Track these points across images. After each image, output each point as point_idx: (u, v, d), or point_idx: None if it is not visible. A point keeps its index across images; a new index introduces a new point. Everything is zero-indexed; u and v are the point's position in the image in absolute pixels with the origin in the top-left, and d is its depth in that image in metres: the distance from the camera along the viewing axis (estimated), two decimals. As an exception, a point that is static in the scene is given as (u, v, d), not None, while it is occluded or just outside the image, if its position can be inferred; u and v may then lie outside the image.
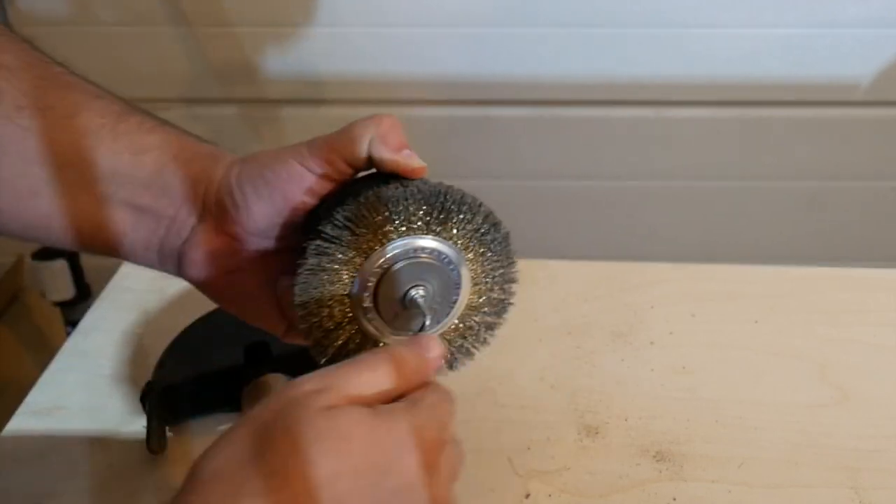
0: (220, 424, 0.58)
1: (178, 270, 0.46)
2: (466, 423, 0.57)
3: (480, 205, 0.42)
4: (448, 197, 0.41)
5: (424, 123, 1.35)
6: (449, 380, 0.61)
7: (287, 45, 1.27)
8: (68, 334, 0.68)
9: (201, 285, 0.46)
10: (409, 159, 0.42)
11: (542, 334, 0.66)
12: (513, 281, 0.45)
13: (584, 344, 0.65)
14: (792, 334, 0.66)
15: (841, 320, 0.67)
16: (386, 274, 0.41)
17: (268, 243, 0.44)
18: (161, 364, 0.58)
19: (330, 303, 0.41)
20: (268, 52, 1.28)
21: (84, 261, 1.25)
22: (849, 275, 0.73)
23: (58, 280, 1.22)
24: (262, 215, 0.43)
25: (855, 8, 1.23)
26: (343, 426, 0.32)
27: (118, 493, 0.52)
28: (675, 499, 0.52)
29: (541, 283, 0.72)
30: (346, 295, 0.41)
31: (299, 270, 0.40)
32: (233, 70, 1.31)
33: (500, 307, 0.46)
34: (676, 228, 1.47)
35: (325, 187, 0.43)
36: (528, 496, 0.52)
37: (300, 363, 0.61)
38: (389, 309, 0.42)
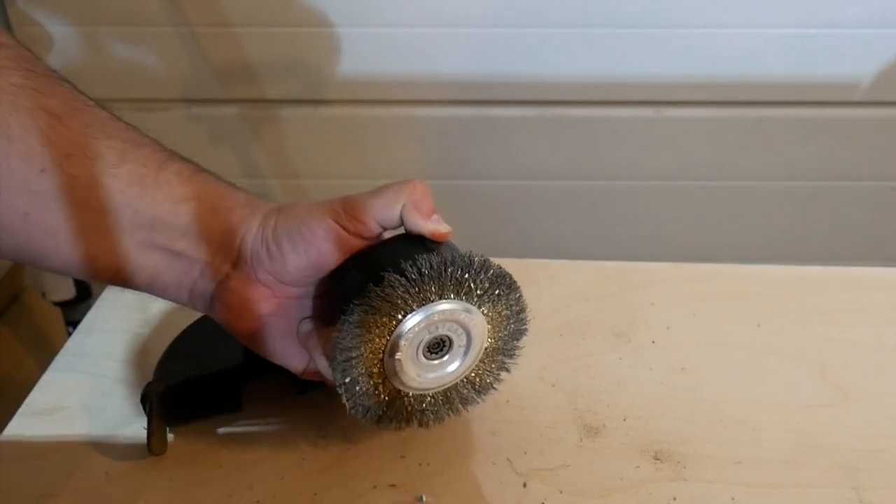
0: (220, 425, 0.58)
1: (209, 311, 0.49)
2: (466, 423, 0.57)
3: (488, 267, 0.47)
4: (459, 263, 0.46)
5: (424, 123, 1.35)
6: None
7: (287, 45, 1.27)
8: (69, 334, 0.68)
9: (231, 328, 0.49)
10: (438, 225, 0.46)
11: (542, 334, 0.66)
12: (521, 332, 0.53)
13: (584, 344, 0.65)
14: (792, 334, 0.66)
15: (841, 320, 0.67)
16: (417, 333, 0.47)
17: (296, 290, 0.48)
18: (161, 364, 0.58)
19: (369, 356, 0.46)
20: (268, 52, 1.29)
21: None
22: (849, 275, 0.73)
23: (58, 280, 1.22)
24: (296, 267, 0.46)
25: (855, 8, 1.23)
26: None
27: (118, 494, 0.53)
28: (675, 499, 0.52)
29: (541, 283, 0.72)
30: (382, 352, 0.47)
31: (344, 326, 0.45)
32: (233, 70, 1.31)
33: (511, 352, 0.53)
34: (676, 228, 1.47)
35: (358, 244, 0.47)
36: (527, 496, 0.52)
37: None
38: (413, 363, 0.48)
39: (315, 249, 0.46)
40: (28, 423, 0.58)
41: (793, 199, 1.43)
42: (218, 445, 0.56)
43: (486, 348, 0.50)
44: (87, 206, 0.44)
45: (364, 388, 0.48)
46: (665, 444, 0.56)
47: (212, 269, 0.47)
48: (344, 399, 0.47)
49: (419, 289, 0.44)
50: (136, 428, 0.57)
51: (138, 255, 0.46)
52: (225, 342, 0.59)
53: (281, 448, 0.56)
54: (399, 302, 0.44)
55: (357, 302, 0.44)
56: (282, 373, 0.61)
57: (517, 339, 0.52)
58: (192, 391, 0.58)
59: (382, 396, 0.49)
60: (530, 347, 0.64)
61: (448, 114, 1.34)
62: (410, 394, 0.49)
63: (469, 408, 0.53)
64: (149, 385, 0.55)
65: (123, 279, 0.47)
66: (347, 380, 0.46)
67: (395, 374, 0.48)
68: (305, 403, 0.59)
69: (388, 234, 0.49)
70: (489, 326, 0.49)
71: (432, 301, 0.45)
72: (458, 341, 0.49)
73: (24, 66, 0.43)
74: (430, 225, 0.46)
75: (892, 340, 0.65)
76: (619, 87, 1.32)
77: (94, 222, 0.44)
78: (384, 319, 0.45)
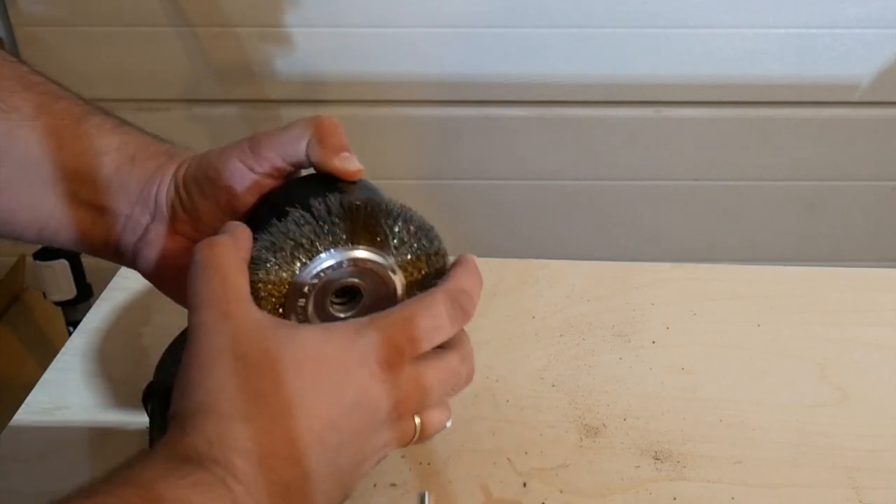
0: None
1: (135, 265, 0.47)
2: (466, 423, 0.57)
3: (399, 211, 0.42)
4: (376, 207, 0.41)
5: (424, 123, 1.35)
6: (449, 380, 0.61)
7: (287, 45, 1.27)
8: (69, 334, 0.68)
9: (156, 282, 0.47)
10: (345, 162, 0.43)
11: (542, 334, 0.66)
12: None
13: (585, 343, 0.65)
14: (792, 334, 0.66)
15: (841, 320, 0.67)
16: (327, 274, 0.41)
17: None
18: (162, 364, 0.58)
19: (274, 279, 0.41)
20: (268, 52, 1.29)
21: (85, 261, 1.25)
22: (848, 275, 0.73)
23: (59, 280, 1.21)
24: (207, 213, 0.44)
25: (855, 8, 1.23)
26: (300, 344, 0.36)
27: (119, 493, 0.53)
28: (675, 499, 0.52)
29: (541, 283, 0.72)
30: (290, 281, 0.41)
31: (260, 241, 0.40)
32: (233, 70, 1.31)
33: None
34: (677, 228, 1.47)
35: (268, 185, 0.44)
36: (527, 496, 0.52)
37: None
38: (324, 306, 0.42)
39: (223, 192, 0.43)
40: (28, 423, 0.58)
41: (793, 199, 1.43)
42: (218, 445, 0.56)
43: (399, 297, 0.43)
44: (6, 158, 0.43)
45: None
46: (665, 444, 0.56)
47: (133, 222, 0.45)
48: None
49: (328, 229, 0.40)
50: (136, 428, 0.57)
51: (62, 211, 0.45)
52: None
53: (281, 448, 0.55)
54: (304, 241, 0.40)
55: (257, 237, 0.40)
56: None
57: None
58: (193, 391, 0.58)
59: None
60: (530, 347, 0.65)
61: (448, 114, 1.34)
62: None
63: None
64: (150, 385, 0.55)
65: (49, 236, 0.46)
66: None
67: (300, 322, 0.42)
68: (305, 403, 0.59)
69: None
70: (404, 280, 0.43)
71: (344, 245, 0.40)
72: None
73: None
74: (337, 161, 0.42)
75: (892, 340, 0.65)
76: (619, 87, 1.32)
77: (13, 176, 0.43)
78: (288, 259, 0.40)
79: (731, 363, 0.63)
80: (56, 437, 0.57)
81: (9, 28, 1.16)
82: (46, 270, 1.21)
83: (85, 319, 0.68)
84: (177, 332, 0.61)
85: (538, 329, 0.67)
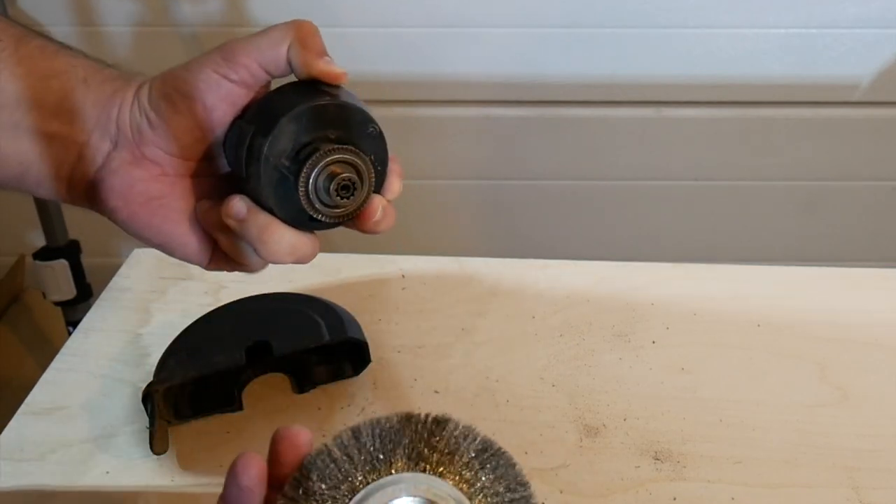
0: (220, 425, 0.58)
1: (91, 201, 0.43)
2: (466, 422, 0.57)
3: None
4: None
5: (424, 123, 1.35)
6: (449, 380, 0.61)
7: (287, 46, 1.27)
8: (69, 334, 0.68)
9: (119, 216, 0.43)
10: (330, 66, 0.40)
11: (542, 334, 0.66)
12: None
13: (585, 344, 0.65)
14: (792, 334, 0.66)
15: (841, 320, 0.67)
16: None
17: (188, 165, 0.43)
18: (162, 364, 0.58)
19: None
20: (268, 52, 1.28)
21: (85, 261, 1.25)
22: (849, 275, 0.73)
23: (58, 280, 1.21)
24: (181, 130, 0.41)
25: (855, 8, 1.23)
26: None
27: (118, 494, 0.53)
28: (675, 499, 0.52)
29: (541, 283, 0.72)
30: None
31: None
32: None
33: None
34: (677, 228, 1.47)
35: (243, 95, 0.41)
36: (528, 496, 0.52)
37: (301, 363, 0.61)
38: None
39: (199, 105, 0.40)
40: (28, 423, 0.58)
41: (793, 200, 1.43)
42: (218, 445, 0.56)
43: None
44: None
45: None
46: (665, 444, 0.56)
47: (90, 149, 0.41)
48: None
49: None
50: (136, 428, 0.57)
51: (3, 142, 0.40)
52: (225, 342, 0.59)
53: (281, 448, 0.55)
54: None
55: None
56: (282, 372, 0.61)
57: None
58: (193, 391, 0.58)
59: None
60: (530, 347, 0.65)
61: (448, 114, 1.34)
62: None
63: None
64: (149, 385, 0.55)
65: None
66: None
67: None
68: (305, 403, 0.59)
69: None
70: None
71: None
72: None
73: None
74: (322, 64, 0.40)
75: (892, 340, 0.65)
76: (619, 87, 1.32)
77: None
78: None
79: (731, 363, 0.63)
80: (56, 437, 0.57)
81: (9, 28, 1.16)
82: (46, 270, 1.21)
83: (85, 319, 0.68)
84: (177, 333, 0.61)
85: (538, 329, 0.67)
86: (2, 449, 0.56)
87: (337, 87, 0.41)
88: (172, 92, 0.41)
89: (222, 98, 0.40)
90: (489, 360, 0.63)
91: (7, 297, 1.38)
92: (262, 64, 0.40)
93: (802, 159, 1.39)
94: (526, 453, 0.55)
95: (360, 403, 0.59)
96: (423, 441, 0.34)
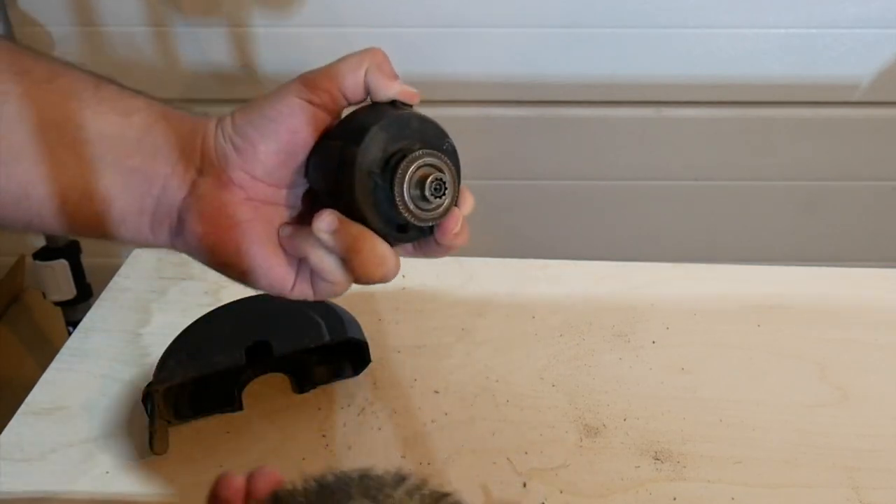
0: (220, 425, 0.58)
1: (176, 233, 0.44)
2: (466, 423, 0.57)
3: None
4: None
5: (424, 123, 1.34)
6: (449, 380, 0.61)
7: (287, 45, 1.27)
8: (69, 334, 0.68)
9: (206, 241, 0.44)
10: (405, 87, 0.44)
11: (542, 334, 0.66)
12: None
13: (584, 344, 0.65)
14: (792, 334, 0.66)
15: (841, 320, 0.67)
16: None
17: (272, 191, 0.44)
18: (162, 364, 0.58)
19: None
20: (268, 52, 1.28)
21: (85, 261, 1.25)
22: (849, 275, 0.73)
23: (58, 280, 1.21)
24: (268, 154, 0.43)
25: (855, 8, 1.23)
26: None
27: (118, 494, 0.53)
28: (675, 499, 0.52)
29: (541, 283, 0.72)
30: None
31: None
32: (233, 70, 1.31)
33: None
34: (677, 228, 1.47)
35: (324, 120, 0.43)
36: (527, 496, 0.52)
37: (301, 363, 0.61)
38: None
39: (284, 129, 0.42)
40: (28, 423, 0.58)
41: (793, 200, 1.43)
42: (218, 445, 0.56)
43: None
44: (19, 122, 0.40)
45: None
46: (665, 444, 0.56)
47: (176, 179, 0.43)
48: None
49: None
50: (136, 428, 0.57)
51: (85, 177, 0.41)
52: (225, 342, 0.59)
53: (281, 448, 0.56)
54: None
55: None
56: (282, 372, 0.62)
57: None
58: (193, 391, 0.58)
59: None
60: (530, 347, 0.65)
61: (448, 114, 1.34)
62: None
63: None
64: (150, 385, 0.55)
65: (70, 210, 0.42)
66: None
67: None
68: (305, 403, 0.59)
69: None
70: None
71: None
72: None
73: None
74: (399, 85, 0.43)
75: (892, 340, 0.65)
76: (619, 87, 1.32)
77: (29, 142, 0.40)
78: None
79: (731, 363, 0.63)
80: (56, 437, 0.57)
81: (9, 28, 1.16)
82: (46, 270, 1.21)
83: (85, 319, 0.68)
84: (177, 332, 0.61)
85: (538, 329, 0.67)
86: (2, 449, 0.56)
87: (410, 106, 0.44)
88: (258, 117, 0.43)
89: (306, 122, 0.43)
90: (489, 360, 0.63)
91: (7, 297, 1.38)
92: (342, 88, 0.43)
93: (802, 159, 1.39)
94: (526, 453, 0.55)
95: (360, 403, 0.59)
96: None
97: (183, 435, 0.56)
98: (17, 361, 1.29)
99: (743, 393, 0.60)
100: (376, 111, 0.43)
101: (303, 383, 0.60)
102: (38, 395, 0.60)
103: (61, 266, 1.21)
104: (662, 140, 1.37)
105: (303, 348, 0.59)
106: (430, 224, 0.43)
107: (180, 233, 0.44)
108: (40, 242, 1.23)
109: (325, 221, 0.42)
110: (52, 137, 0.40)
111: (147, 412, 0.55)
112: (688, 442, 0.56)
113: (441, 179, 0.42)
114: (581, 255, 0.75)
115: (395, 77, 0.44)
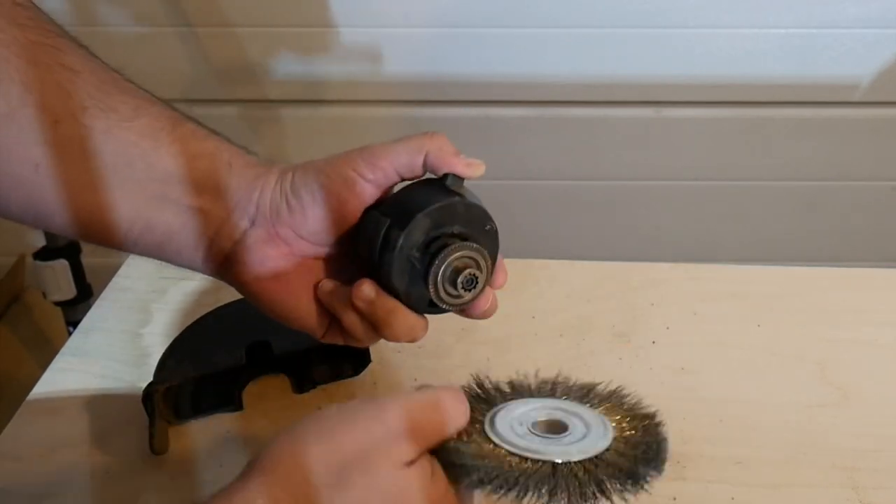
0: (220, 425, 0.58)
1: (224, 272, 0.48)
2: (466, 423, 0.57)
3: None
4: None
5: (424, 123, 1.35)
6: (449, 380, 0.61)
7: (287, 45, 1.27)
8: (69, 334, 0.68)
9: (248, 288, 0.47)
10: (471, 160, 0.46)
11: (542, 334, 0.66)
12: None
13: (585, 344, 0.65)
14: (792, 334, 0.66)
15: (841, 320, 0.67)
16: None
17: (315, 248, 0.47)
18: (162, 364, 0.58)
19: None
20: (268, 52, 1.28)
21: (85, 261, 1.25)
22: (849, 275, 0.73)
23: (59, 280, 1.21)
24: (316, 219, 0.45)
25: (855, 8, 1.23)
26: (412, 489, 0.38)
27: (119, 494, 0.53)
28: (675, 499, 0.52)
29: (541, 283, 0.72)
30: None
31: None
32: (233, 70, 1.31)
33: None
34: (677, 228, 1.47)
35: (375, 194, 0.46)
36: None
37: (301, 363, 0.61)
38: None
39: (335, 198, 0.45)
40: (28, 423, 0.58)
41: (793, 199, 1.43)
42: (218, 445, 0.56)
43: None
44: (100, 157, 0.43)
45: None
46: (665, 444, 0.55)
47: (230, 225, 0.46)
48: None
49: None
50: (136, 428, 0.57)
51: (150, 210, 0.45)
52: (225, 342, 0.59)
53: (281, 448, 0.55)
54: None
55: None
56: (283, 372, 0.61)
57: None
58: (193, 391, 0.58)
59: None
60: (530, 347, 0.65)
61: (448, 114, 1.34)
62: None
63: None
64: (150, 385, 0.55)
65: (134, 238, 0.46)
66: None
67: None
68: (305, 403, 0.59)
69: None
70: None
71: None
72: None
73: (43, 25, 0.45)
74: (463, 161, 0.45)
75: (892, 340, 0.65)
76: (619, 87, 1.32)
77: (105, 174, 0.43)
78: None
79: (731, 363, 0.63)
80: (56, 438, 0.57)
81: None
82: (46, 270, 1.21)
83: (85, 319, 0.68)
84: (177, 332, 0.61)
85: (538, 329, 0.67)
86: (2, 449, 0.56)
87: (462, 183, 0.46)
88: (313, 183, 0.45)
89: (356, 195, 0.45)
90: (489, 360, 0.63)
91: (7, 297, 1.38)
92: (398, 168, 0.45)
93: (802, 159, 1.39)
94: (526, 453, 0.55)
95: (360, 403, 0.59)
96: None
97: (183, 435, 0.56)
98: (17, 361, 1.29)
99: (743, 393, 0.60)
100: (427, 192, 0.45)
101: (303, 383, 0.60)
102: (38, 395, 0.60)
103: (61, 266, 1.21)
104: (662, 140, 1.37)
105: (303, 348, 0.59)
106: (457, 308, 0.47)
107: (229, 273, 0.47)
108: (40, 242, 1.23)
109: (364, 292, 0.45)
110: (126, 173, 0.44)
111: (147, 412, 0.55)
112: (688, 442, 0.56)
113: (474, 275, 0.45)
114: (581, 255, 0.75)
115: (456, 155, 0.45)
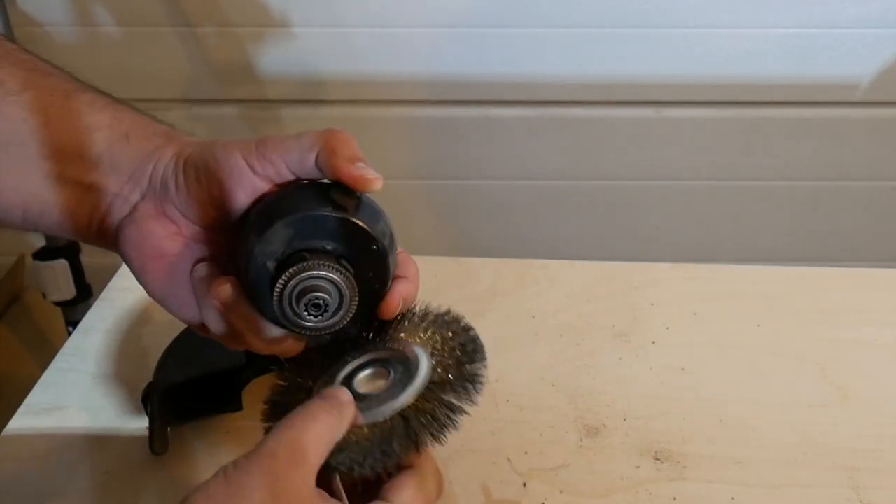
0: (220, 425, 0.58)
1: (113, 246, 0.45)
2: (466, 423, 0.57)
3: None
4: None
5: (424, 123, 1.35)
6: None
7: (287, 45, 1.27)
8: (69, 334, 0.68)
9: (132, 264, 0.45)
10: (362, 170, 0.41)
11: (542, 334, 0.66)
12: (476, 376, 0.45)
13: (584, 344, 0.65)
14: (792, 334, 0.66)
15: (841, 320, 0.67)
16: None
17: (202, 232, 0.44)
18: (162, 364, 0.58)
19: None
20: (268, 52, 1.28)
21: (85, 261, 1.25)
22: (849, 275, 0.73)
23: (58, 280, 1.21)
24: (197, 200, 0.42)
25: (855, 8, 1.23)
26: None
27: (118, 494, 0.53)
28: (675, 499, 0.52)
29: (541, 283, 0.72)
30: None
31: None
32: (233, 70, 1.31)
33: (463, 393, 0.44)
34: (677, 228, 1.47)
35: (264, 188, 0.42)
36: (527, 496, 0.52)
37: (301, 363, 0.61)
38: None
39: (217, 184, 0.42)
40: (28, 423, 0.58)
41: (793, 200, 1.43)
42: (218, 445, 0.56)
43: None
44: None
45: None
46: (665, 444, 0.56)
47: (120, 200, 0.44)
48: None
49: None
50: (136, 428, 0.57)
51: (47, 191, 0.43)
52: (225, 342, 0.59)
53: (281, 448, 0.55)
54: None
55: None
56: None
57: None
58: (193, 391, 0.58)
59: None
60: (530, 347, 0.65)
61: (448, 114, 1.34)
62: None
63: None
64: (150, 385, 0.55)
65: (33, 218, 0.44)
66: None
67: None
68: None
69: None
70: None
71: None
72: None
73: None
74: (354, 169, 0.40)
75: (892, 340, 0.65)
76: (619, 87, 1.32)
77: None
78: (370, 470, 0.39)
79: (731, 363, 0.63)
80: (56, 437, 0.57)
81: (9, 28, 1.16)
82: (46, 270, 1.21)
83: (85, 319, 0.68)
84: (177, 332, 0.61)
85: (538, 329, 0.67)
86: (2, 449, 0.56)
87: (357, 196, 0.41)
88: (201, 165, 0.42)
89: (243, 187, 0.42)
90: (489, 360, 0.63)
91: (7, 297, 1.39)
92: (289, 165, 0.42)
93: (802, 159, 1.39)
94: (526, 453, 0.55)
95: (360, 403, 0.59)
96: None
97: (183, 435, 0.56)
98: (17, 361, 1.29)
99: (743, 393, 0.60)
100: (305, 198, 0.41)
101: (303, 383, 0.60)
102: (38, 395, 0.60)
103: (61, 266, 1.21)
104: (662, 140, 1.37)
105: (303, 349, 0.58)
106: (311, 333, 0.42)
107: (116, 246, 0.45)
108: (40, 242, 1.23)
109: (222, 292, 0.41)
110: (17, 153, 0.42)
111: (147, 412, 0.55)
112: (688, 442, 0.56)
113: (322, 301, 0.40)
114: (581, 255, 0.75)
115: (354, 159, 0.41)
